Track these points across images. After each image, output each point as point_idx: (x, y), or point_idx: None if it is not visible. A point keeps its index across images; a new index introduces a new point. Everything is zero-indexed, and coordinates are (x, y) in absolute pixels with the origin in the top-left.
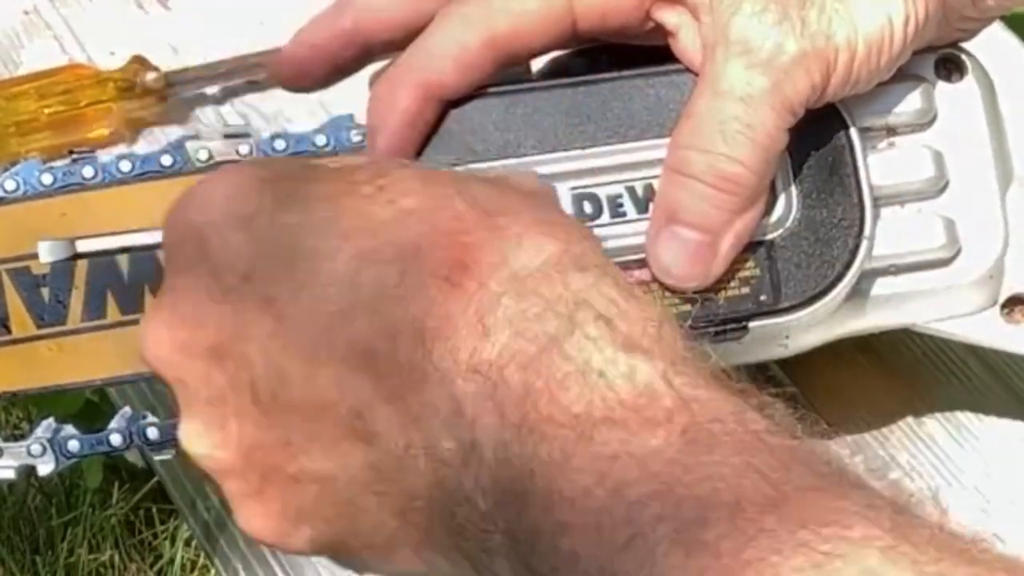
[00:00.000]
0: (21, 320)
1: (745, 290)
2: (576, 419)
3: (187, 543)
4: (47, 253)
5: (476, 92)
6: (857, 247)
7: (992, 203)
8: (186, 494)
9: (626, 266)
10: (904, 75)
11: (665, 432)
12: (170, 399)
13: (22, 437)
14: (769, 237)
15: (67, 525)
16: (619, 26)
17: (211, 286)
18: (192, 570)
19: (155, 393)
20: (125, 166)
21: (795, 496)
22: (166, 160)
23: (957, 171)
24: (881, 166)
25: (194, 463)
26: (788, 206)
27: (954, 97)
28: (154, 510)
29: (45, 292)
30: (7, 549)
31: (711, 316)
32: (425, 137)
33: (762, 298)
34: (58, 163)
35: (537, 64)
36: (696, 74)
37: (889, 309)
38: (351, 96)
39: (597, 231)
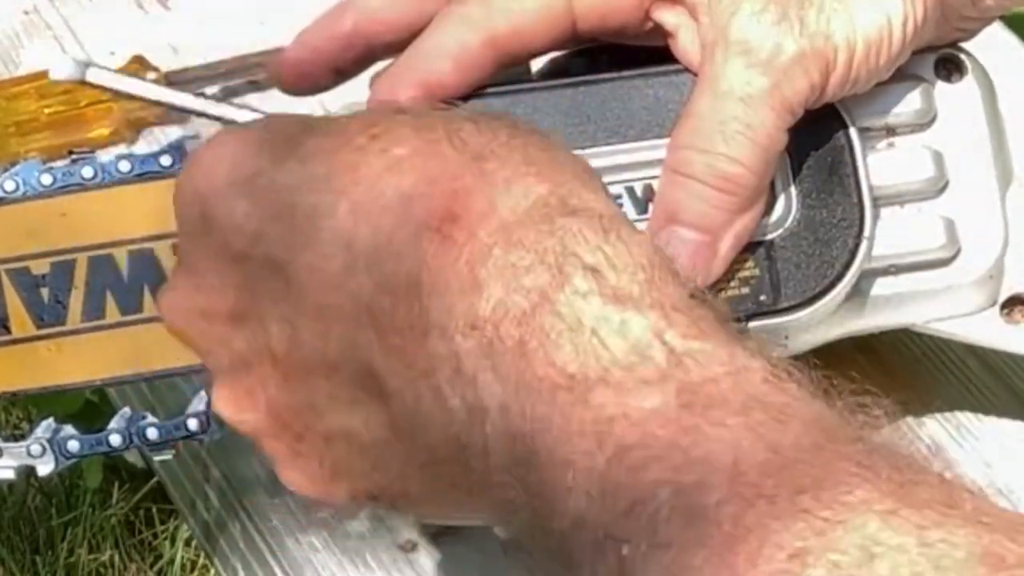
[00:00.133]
0: (21, 320)
1: (745, 290)
2: (572, 379)
3: (187, 543)
4: (58, 70)
5: (476, 92)
6: (857, 247)
7: (992, 203)
8: (186, 494)
9: None
10: (904, 75)
11: (661, 392)
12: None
13: (22, 437)
14: (769, 237)
15: (67, 525)
16: (619, 26)
17: (222, 252)
18: (192, 570)
19: (155, 393)
20: (125, 166)
21: (793, 457)
22: (166, 160)
23: (957, 171)
24: (881, 166)
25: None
26: (788, 206)
27: (954, 97)
28: (154, 510)
29: (45, 292)
30: (7, 549)
31: None
32: None
33: (762, 298)
34: (58, 163)
35: (537, 64)
36: (695, 74)
37: (889, 309)
38: (351, 96)
39: None
